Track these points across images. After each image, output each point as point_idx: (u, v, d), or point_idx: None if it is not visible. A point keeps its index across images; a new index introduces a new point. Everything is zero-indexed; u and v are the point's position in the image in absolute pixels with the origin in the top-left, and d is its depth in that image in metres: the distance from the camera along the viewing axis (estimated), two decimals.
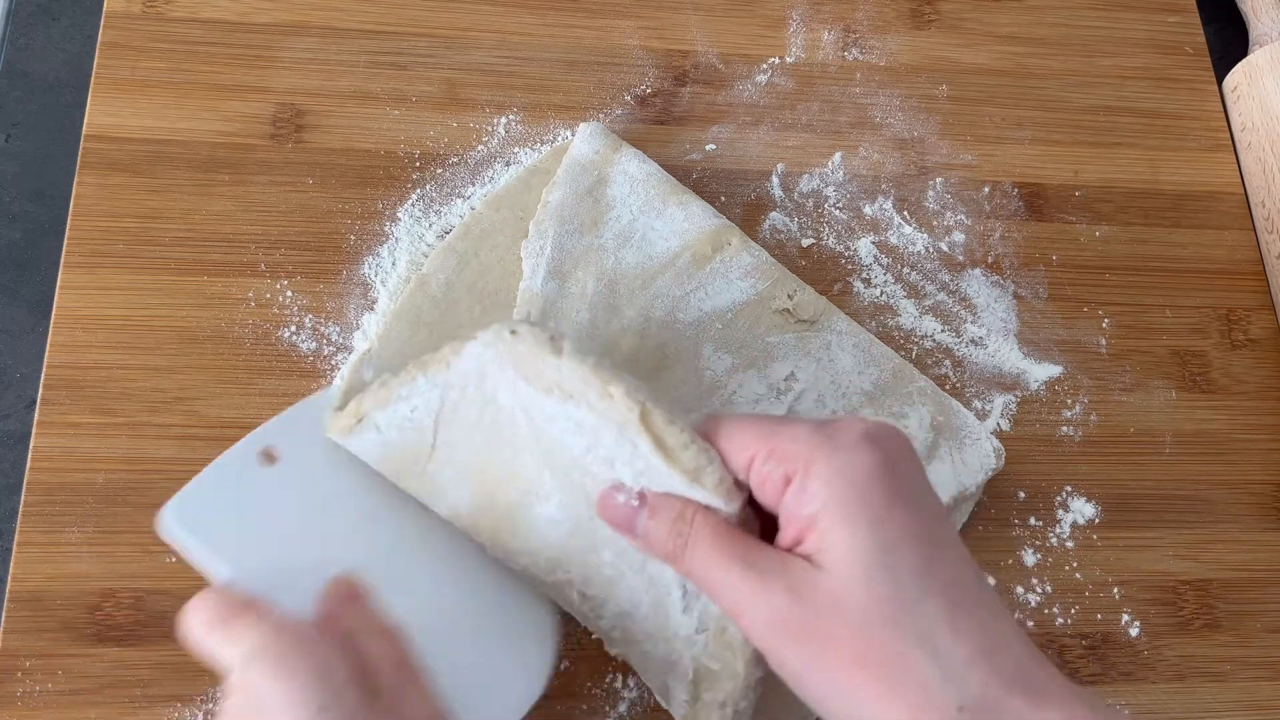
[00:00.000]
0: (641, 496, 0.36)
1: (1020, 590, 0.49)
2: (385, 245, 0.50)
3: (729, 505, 0.35)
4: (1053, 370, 0.53)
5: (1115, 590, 0.50)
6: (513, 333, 0.37)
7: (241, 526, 0.39)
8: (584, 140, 0.51)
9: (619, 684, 0.45)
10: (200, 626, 0.35)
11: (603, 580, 0.39)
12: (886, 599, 0.32)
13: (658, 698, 0.40)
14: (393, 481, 0.41)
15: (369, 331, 0.48)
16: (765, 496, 0.35)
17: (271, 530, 0.39)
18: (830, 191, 0.55)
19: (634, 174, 0.51)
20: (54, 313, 0.47)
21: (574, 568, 0.39)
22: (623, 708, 0.45)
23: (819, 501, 0.33)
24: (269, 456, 0.41)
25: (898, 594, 0.32)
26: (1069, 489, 0.51)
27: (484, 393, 0.38)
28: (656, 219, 0.50)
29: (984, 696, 0.31)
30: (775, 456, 0.34)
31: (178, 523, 0.38)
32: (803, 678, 0.33)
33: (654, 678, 0.39)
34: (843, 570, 0.32)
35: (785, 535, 0.34)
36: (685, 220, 0.50)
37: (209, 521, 0.39)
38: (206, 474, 0.40)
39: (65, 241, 0.48)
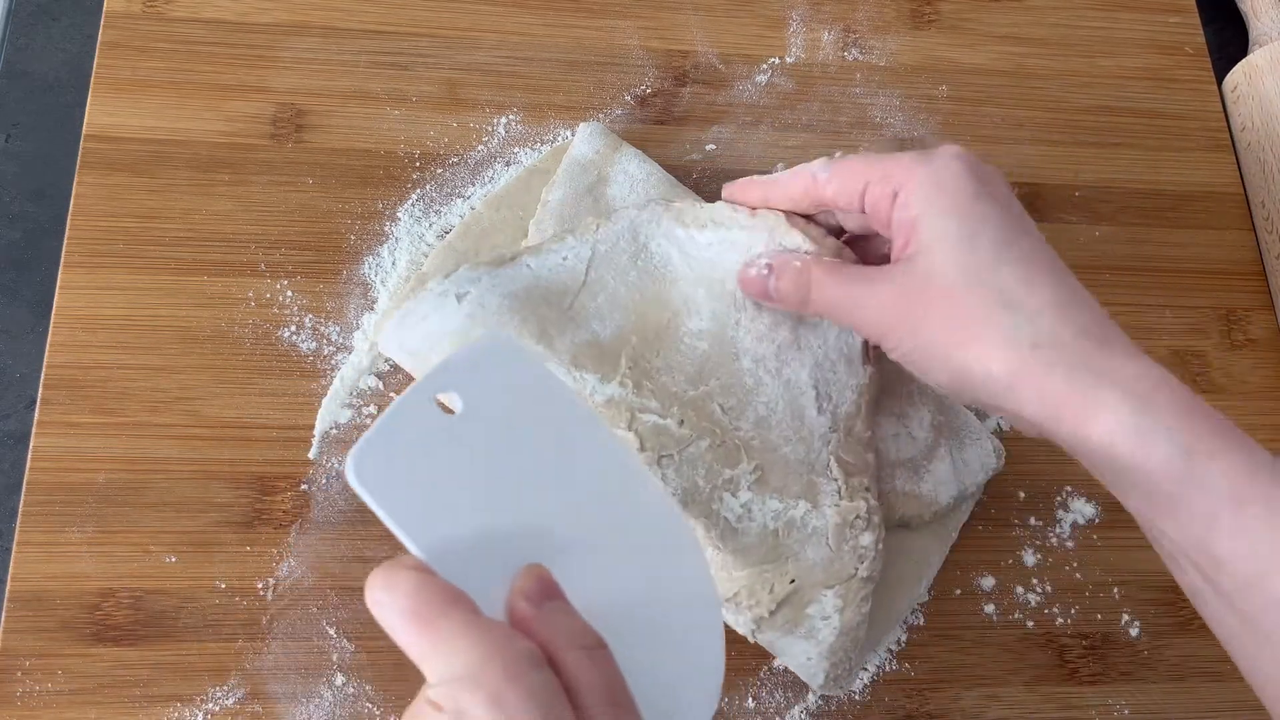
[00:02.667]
0: (769, 266, 0.42)
1: (1020, 590, 0.49)
2: (385, 245, 0.50)
3: (836, 252, 0.43)
4: None
5: (1115, 590, 0.50)
6: (668, 202, 0.47)
7: (425, 489, 0.34)
8: (584, 140, 0.51)
9: None
10: (398, 615, 0.31)
11: (743, 389, 0.44)
12: (968, 266, 0.37)
13: (797, 504, 0.43)
14: (531, 311, 0.45)
15: (369, 331, 0.48)
16: (879, 216, 0.40)
17: (455, 495, 0.35)
18: None
19: (634, 173, 0.51)
20: (54, 313, 0.47)
21: (716, 377, 0.45)
22: None
23: (918, 205, 0.38)
24: (444, 406, 0.36)
25: (977, 260, 0.37)
26: (1069, 489, 0.51)
27: (637, 244, 0.47)
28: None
29: (1056, 337, 0.36)
30: (883, 179, 0.39)
31: (360, 479, 0.33)
32: (912, 352, 0.39)
33: (794, 482, 0.44)
34: (934, 251, 0.38)
35: (896, 246, 0.40)
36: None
37: (392, 480, 0.34)
38: (384, 422, 0.34)
39: (65, 241, 0.48)
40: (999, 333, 0.36)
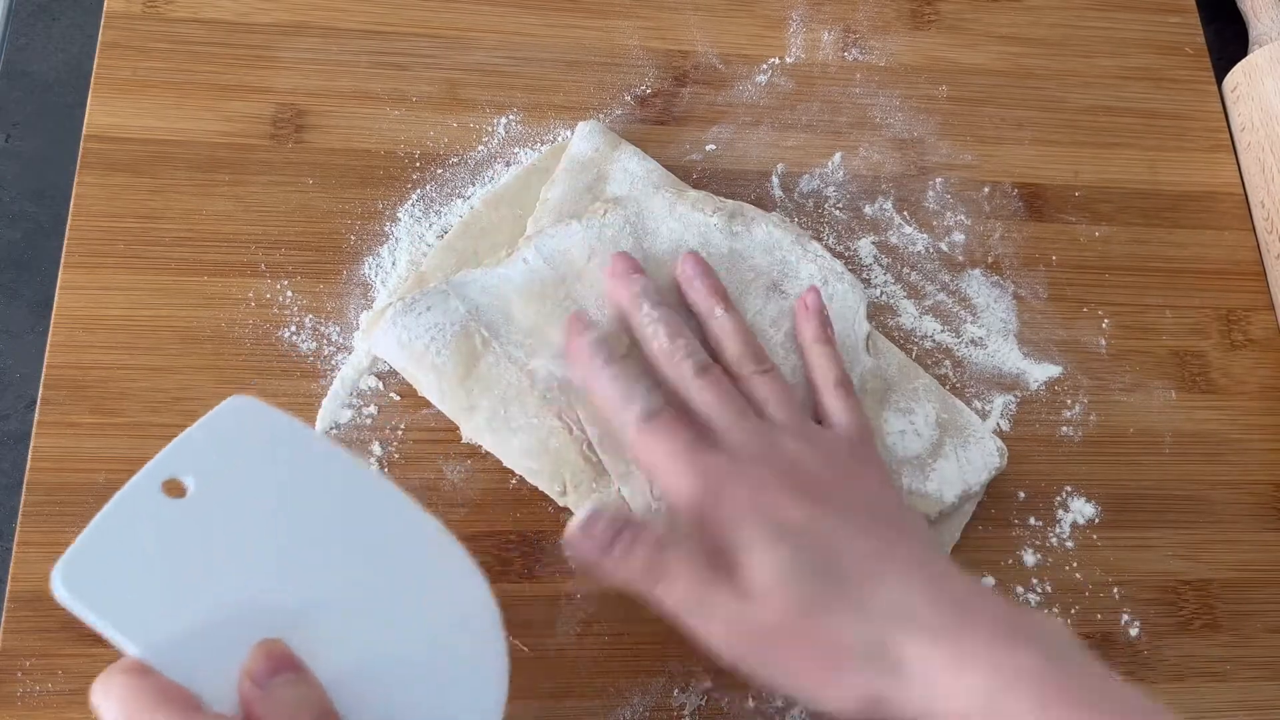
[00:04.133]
0: (621, 533, 0.39)
1: (1020, 590, 0.49)
2: (385, 245, 0.50)
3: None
4: (1052, 370, 0.53)
5: (1115, 590, 0.50)
6: (679, 189, 0.51)
7: (147, 584, 0.33)
8: (583, 138, 0.51)
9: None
10: (116, 716, 0.31)
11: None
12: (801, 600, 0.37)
13: None
14: (526, 306, 0.47)
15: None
16: None
17: (184, 583, 0.34)
18: (830, 192, 0.55)
19: (634, 170, 0.51)
20: (54, 313, 0.47)
21: None
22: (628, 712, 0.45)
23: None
24: (174, 488, 0.35)
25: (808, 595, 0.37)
26: (1069, 489, 0.51)
27: (642, 228, 0.49)
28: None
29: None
30: None
31: (69, 590, 0.32)
32: (767, 673, 0.38)
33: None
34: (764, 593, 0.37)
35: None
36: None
37: (107, 584, 0.33)
38: (99, 522, 0.34)
39: (65, 241, 0.48)
40: (811, 638, 0.37)
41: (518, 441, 0.46)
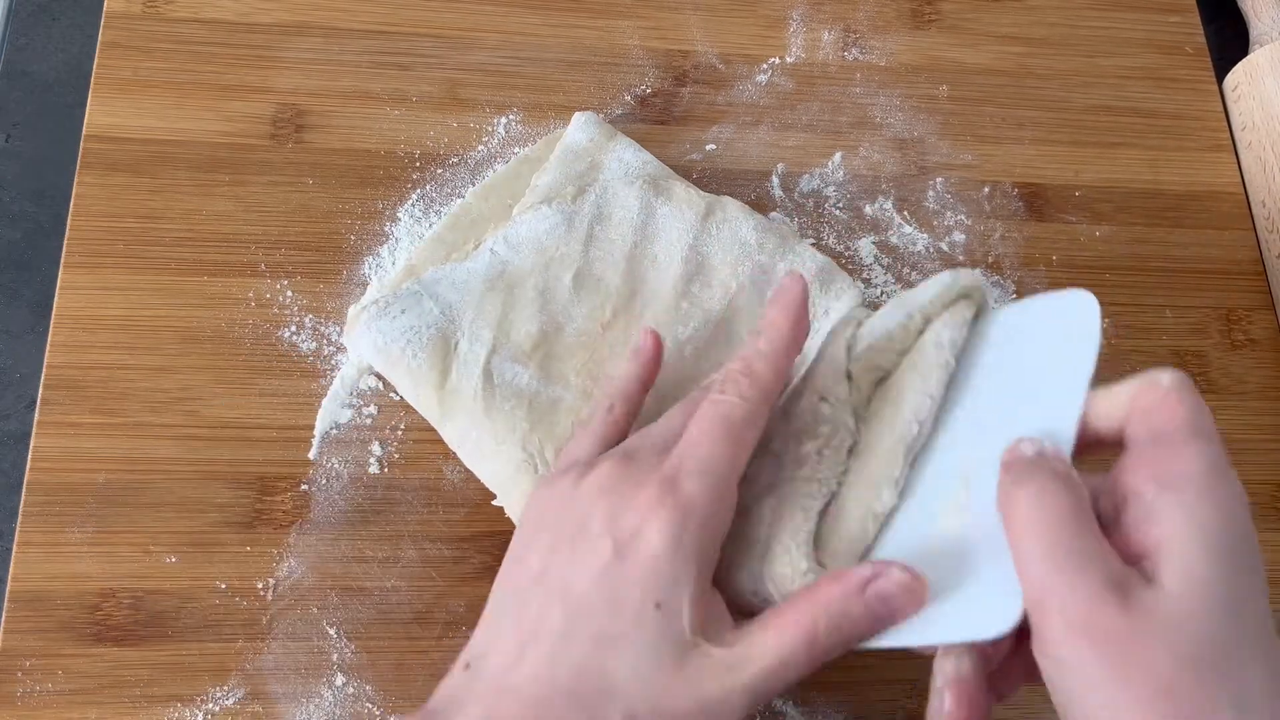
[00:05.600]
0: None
1: None
2: (385, 245, 0.50)
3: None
4: None
5: None
6: (654, 177, 0.50)
7: None
8: (578, 128, 0.51)
9: None
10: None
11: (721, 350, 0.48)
12: (1223, 644, 0.29)
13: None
14: (495, 299, 0.47)
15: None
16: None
17: None
18: (830, 191, 0.55)
19: (629, 161, 0.51)
20: (54, 313, 0.47)
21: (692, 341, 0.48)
22: None
23: (1173, 526, 0.30)
24: None
25: (1235, 645, 0.29)
26: None
27: (610, 216, 0.49)
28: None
29: None
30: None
31: None
32: (1087, 692, 0.30)
33: None
34: (1191, 601, 0.29)
35: (1115, 543, 0.31)
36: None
37: None
38: None
39: (65, 241, 0.48)
40: None
41: (487, 469, 0.46)
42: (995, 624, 0.31)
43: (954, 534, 0.34)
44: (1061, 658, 0.30)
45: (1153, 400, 0.32)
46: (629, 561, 0.33)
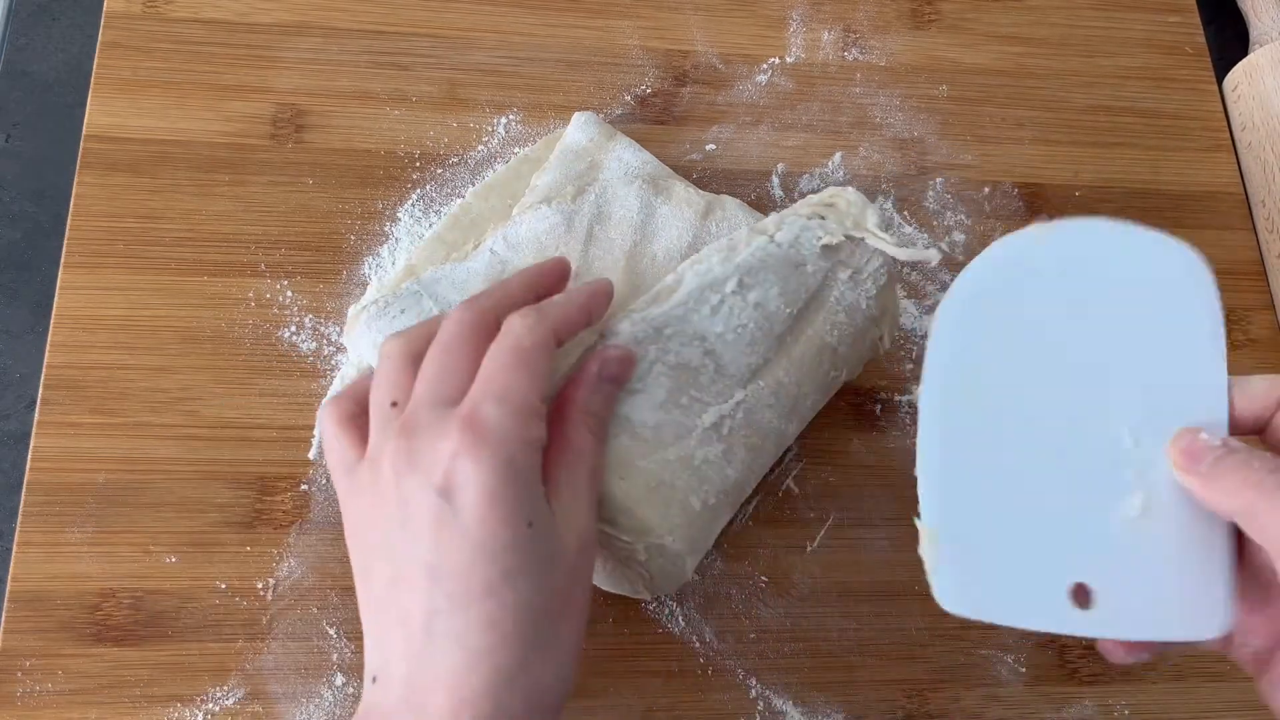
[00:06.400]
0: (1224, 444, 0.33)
1: None
2: (385, 245, 0.50)
3: None
4: None
5: None
6: (654, 177, 0.50)
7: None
8: (578, 128, 0.51)
9: None
10: None
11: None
12: None
13: None
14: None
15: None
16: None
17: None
18: None
19: (629, 161, 0.51)
20: (54, 313, 0.47)
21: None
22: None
23: None
24: None
25: None
26: None
27: (610, 214, 0.48)
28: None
29: None
30: None
31: None
32: None
33: None
34: None
35: None
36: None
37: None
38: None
39: (65, 241, 0.48)
40: None
41: None
42: (1210, 628, 0.33)
43: (1147, 526, 0.34)
44: None
45: None
46: (463, 503, 0.33)
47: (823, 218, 0.45)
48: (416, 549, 0.34)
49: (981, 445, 0.34)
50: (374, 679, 0.34)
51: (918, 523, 0.34)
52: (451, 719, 0.32)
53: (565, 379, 0.40)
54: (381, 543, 0.35)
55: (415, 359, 0.37)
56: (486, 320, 0.38)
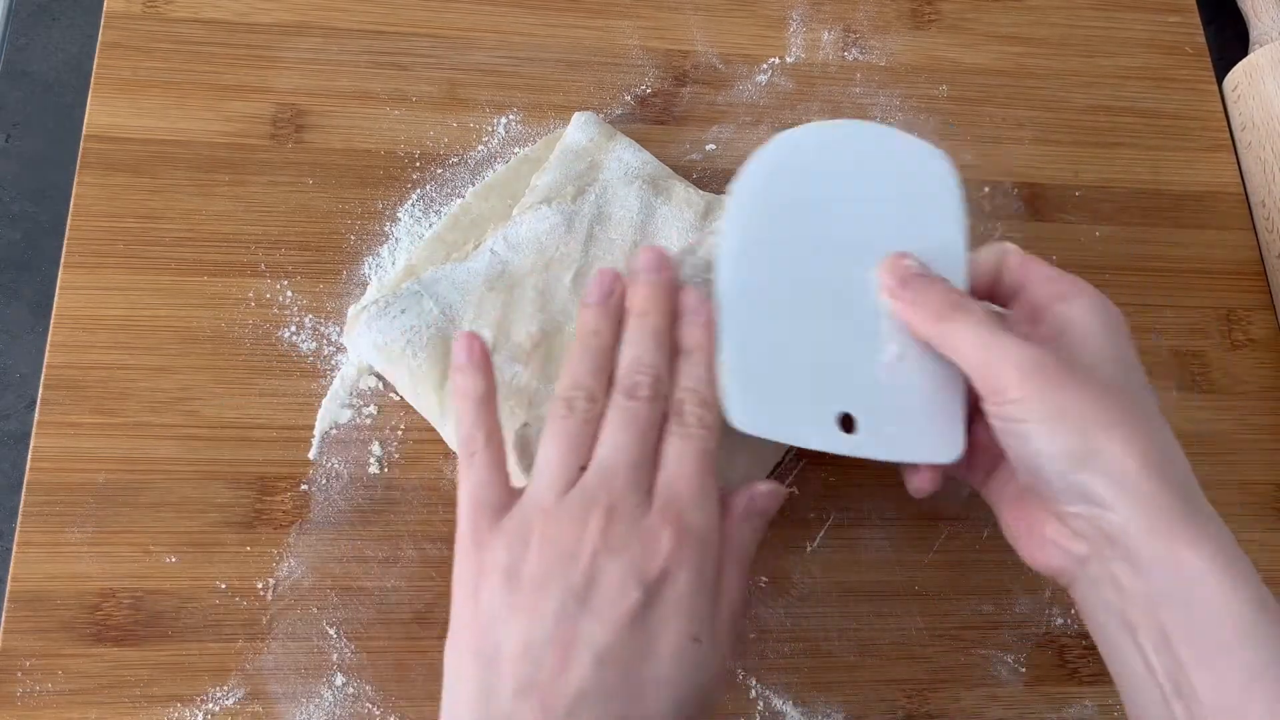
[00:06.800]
0: (924, 267, 0.41)
1: (1020, 590, 0.49)
2: (385, 245, 0.50)
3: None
4: None
5: None
6: (654, 177, 0.50)
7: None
8: (578, 128, 0.51)
9: None
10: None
11: None
12: (1128, 388, 0.37)
13: None
14: (495, 299, 0.47)
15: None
16: (1027, 301, 0.40)
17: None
18: None
19: (629, 161, 0.51)
20: (54, 313, 0.47)
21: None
22: None
23: (1081, 311, 0.38)
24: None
25: (1136, 390, 0.37)
26: None
27: (610, 215, 0.49)
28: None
29: (1176, 467, 0.36)
30: (1058, 281, 0.40)
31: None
32: (1026, 416, 0.36)
33: None
34: (1098, 357, 0.37)
35: (1037, 331, 0.39)
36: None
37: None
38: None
39: (65, 241, 0.48)
40: (1141, 428, 0.35)
41: None
42: (948, 453, 0.40)
43: (900, 369, 0.40)
44: (1019, 399, 0.36)
45: (1022, 258, 0.41)
46: (660, 605, 0.34)
47: None
48: (589, 628, 0.33)
49: (767, 300, 0.40)
50: None
51: (717, 359, 0.39)
52: None
53: None
54: (534, 593, 0.34)
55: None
56: (660, 393, 0.38)
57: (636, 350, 0.38)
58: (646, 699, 0.33)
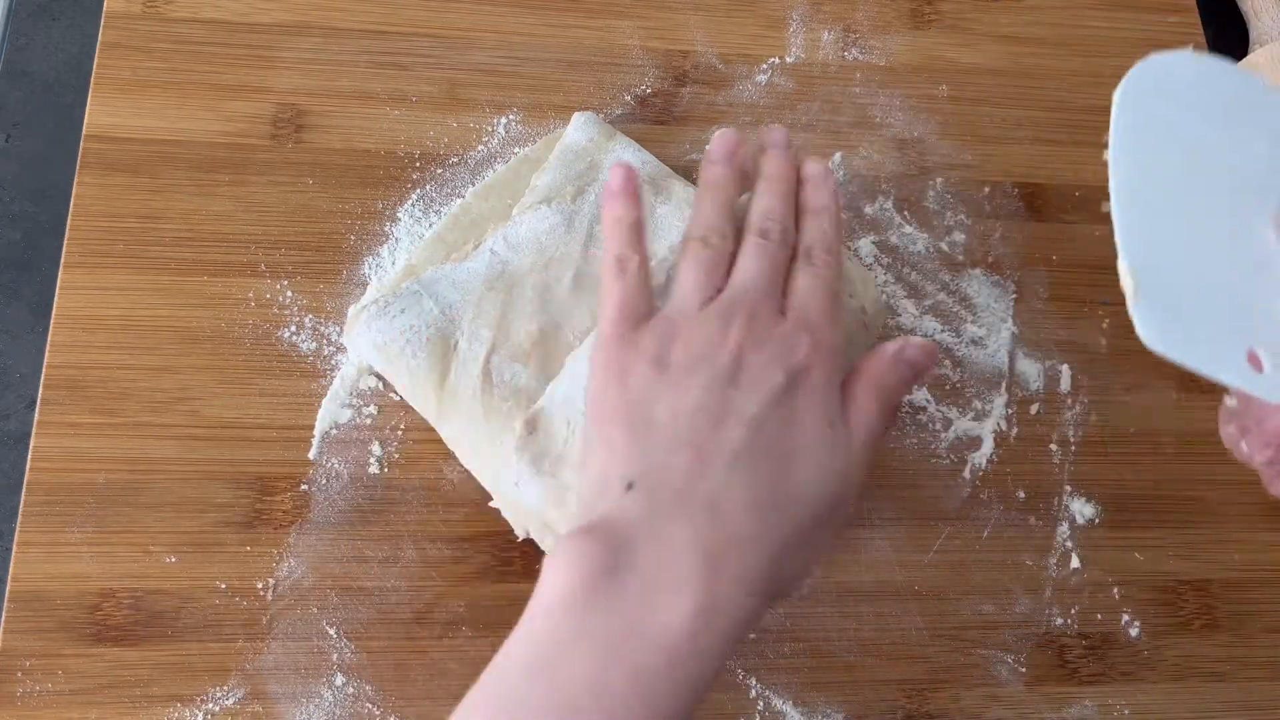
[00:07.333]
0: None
1: (1020, 590, 0.49)
2: (385, 245, 0.50)
3: None
4: (1053, 370, 0.53)
5: (1115, 590, 0.50)
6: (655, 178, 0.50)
7: None
8: (577, 128, 0.51)
9: None
10: None
11: None
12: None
13: None
14: (495, 299, 0.47)
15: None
16: None
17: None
18: None
19: (629, 161, 0.51)
20: (54, 313, 0.47)
21: None
22: None
23: None
24: None
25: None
26: (1069, 489, 0.51)
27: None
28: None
29: None
30: None
31: None
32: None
33: None
34: None
35: None
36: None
37: None
38: None
39: (65, 241, 0.48)
40: None
41: (484, 468, 0.45)
42: None
43: None
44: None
45: None
46: (800, 392, 0.37)
47: None
48: (740, 400, 0.36)
49: (1169, 226, 0.37)
50: (630, 485, 0.35)
51: (1120, 264, 0.37)
52: (725, 544, 0.34)
53: None
54: (683, 375, 0.37)
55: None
56: (788, 241, 0.40)
57: (769, 202, 0.41)
58: (793, 469, 0.36)
